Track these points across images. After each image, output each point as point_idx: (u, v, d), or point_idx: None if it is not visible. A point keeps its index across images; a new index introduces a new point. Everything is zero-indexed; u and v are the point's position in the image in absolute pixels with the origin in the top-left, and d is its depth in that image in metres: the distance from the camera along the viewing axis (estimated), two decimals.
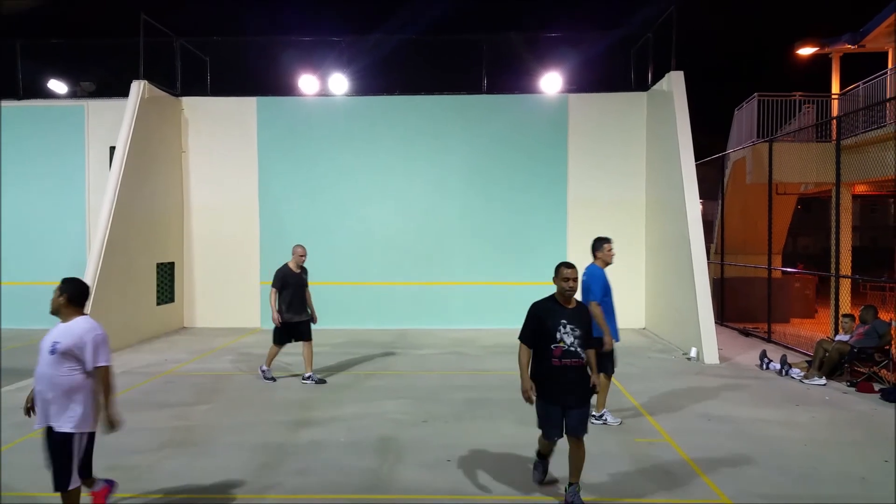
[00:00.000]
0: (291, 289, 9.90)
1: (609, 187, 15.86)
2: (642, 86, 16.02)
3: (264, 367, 10.29)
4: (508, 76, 17.53)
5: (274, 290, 9.87)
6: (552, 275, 5.80)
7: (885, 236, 32.26)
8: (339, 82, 16.64)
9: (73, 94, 18.17)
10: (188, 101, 16.24)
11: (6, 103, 16.08)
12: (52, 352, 4.87)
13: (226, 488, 6.04)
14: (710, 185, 18.52)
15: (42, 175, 15.95)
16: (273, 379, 10.23)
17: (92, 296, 12.25)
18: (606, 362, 7.51)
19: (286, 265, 10.02)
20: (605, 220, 15.72)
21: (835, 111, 18.56)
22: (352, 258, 15.87)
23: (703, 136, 16.97)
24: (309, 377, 10.08)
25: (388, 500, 5.82)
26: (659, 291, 14.66)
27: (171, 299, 15.57)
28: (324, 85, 16.76)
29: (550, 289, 5.89)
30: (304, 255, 10.09)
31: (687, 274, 12.61)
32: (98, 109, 16.02)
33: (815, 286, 18.79)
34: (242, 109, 16.20)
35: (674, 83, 13.87)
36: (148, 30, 15.03)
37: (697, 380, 10.49)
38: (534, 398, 5.59)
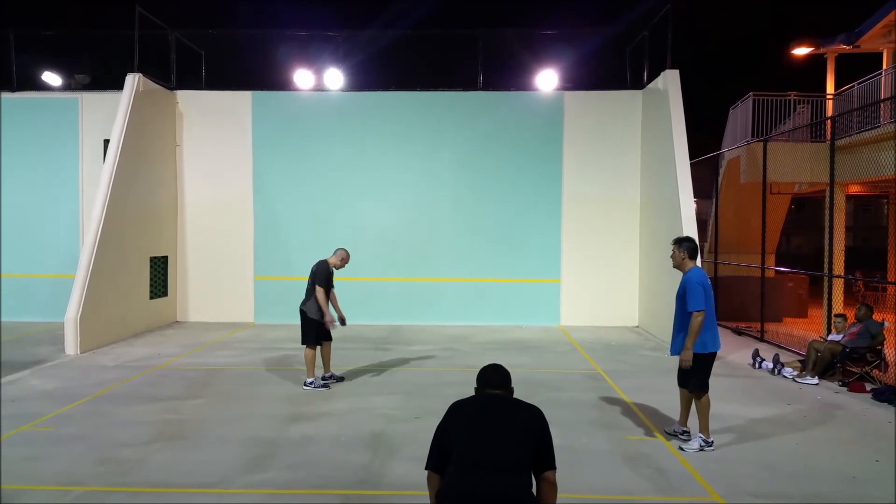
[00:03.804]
0: (329, 288, 9.68)
1: (604, 185, 15.86)
2: (638, 84, 16.02)
3: (310, 380, 9.47)
4: (504, 73, 17.54)
5: (320, 288, 9.41)
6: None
7: (878, 236, 32.34)
8: (335, 77, 16.59)
9: (67, 87, 18.08)
10: (183, 95, 16.18)
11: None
12: None
13: (217, 482, 6.03)
14: (705, 183, 18.55)
15: (36, 167, 15.85)
16: (327, 386, 9.58)
17: (85, 289, 12.31)
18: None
19: (327, 263, 9.67)
20: (600, 218, 15.77)
21: (829, 111, 18.62)
22: None
23: (698, 134, 17.01)
24: (330, 376, 9.88)
25: (380, 495, 5.82)
26: (652, 289, 14.67)
27: (165, 293, 15.52)
28: (319, 80, 16.72)
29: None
30: (346, 262, 9.90)
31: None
32: (92, 102, 15.93)
33: (808, 286, 18.85)
34: (237, 103, 16.14)
35: (669, 82, 13.87)
36: (143, 22, 14.95)
37: None
38: None
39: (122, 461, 6.52)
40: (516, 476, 3.55)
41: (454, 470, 3.59)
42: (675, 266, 7.38)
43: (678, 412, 7.50)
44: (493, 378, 3.95)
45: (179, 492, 5.83)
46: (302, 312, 9.56)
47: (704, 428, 7.03)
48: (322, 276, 9.51)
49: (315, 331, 9.52)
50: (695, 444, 6.96)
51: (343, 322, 9.79)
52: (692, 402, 7.22)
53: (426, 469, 3.80)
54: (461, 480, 3.54)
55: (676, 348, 7.14)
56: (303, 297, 9.66)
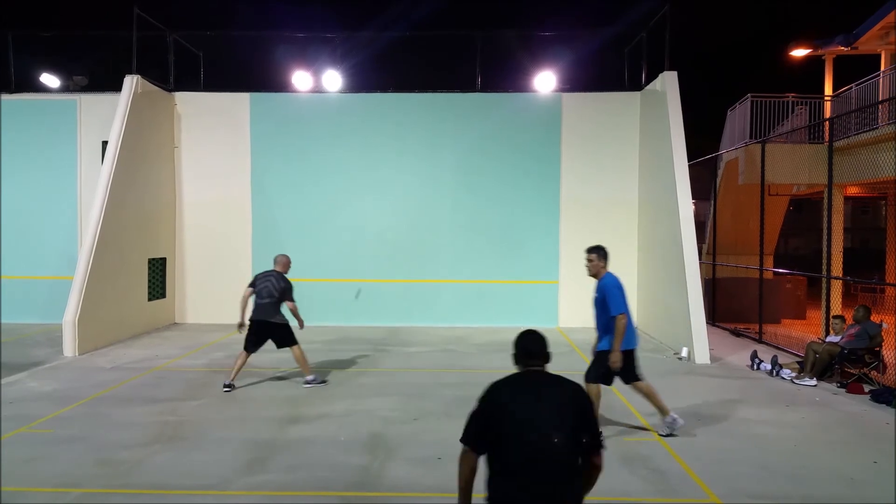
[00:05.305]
0: None
1: (602, 186, 15.87)
2: (636, 86, 16.03)
3: (311, 377, 9.87)
4: (502, 74, 17.60)
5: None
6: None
7: (876, 238, 32.40)
8: (333, 79, 16.58)
9: (65, 88, 18.06)
10: (181, 96, 16.17)
11: None
12: None
13: (216, 484, 6.03)
14: (703, 185, 18.56)
15: (34, 169, 15.83)
16: (324, 382, 10.01)
17: (83, 290, 12.30)
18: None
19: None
20: (598, 220, 15.76)
21: (827, 113, 18.64)
22: (343, 254, 15.85)
23: (697, 136, 17.02)
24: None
25: (378, 497, 5.81)
26: (651, 291, 14.68)
27: (163, 295, 15.50)
28: (317, 81, 16.71)
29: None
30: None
31: (679, 274, 12.64)
32: (90, 104, 15.92)
33: (806, 287, 18.85)
34: (235, 105, 16.13)
35: (667, 83, 13.88)
36: (141, 24, 14.94)
37: (688, 379, 10.52)
38: None
39: (121, 463, 6.52)
40: (569, 447, 3.47)
41: (508, 447, 3.49)
42: (591, 274, 7.48)
43: (675, 413, 7.51)
44: (535, 347, 3.76)
45: (178, 493, 5.83)
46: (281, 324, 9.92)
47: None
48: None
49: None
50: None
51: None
52: (650, 389, 7.45)
53: (462, 442, 3.60)
54: (517, 453, 3.45)
55: (603, 347, 7.31)
56: (270, 307, 10.08)
